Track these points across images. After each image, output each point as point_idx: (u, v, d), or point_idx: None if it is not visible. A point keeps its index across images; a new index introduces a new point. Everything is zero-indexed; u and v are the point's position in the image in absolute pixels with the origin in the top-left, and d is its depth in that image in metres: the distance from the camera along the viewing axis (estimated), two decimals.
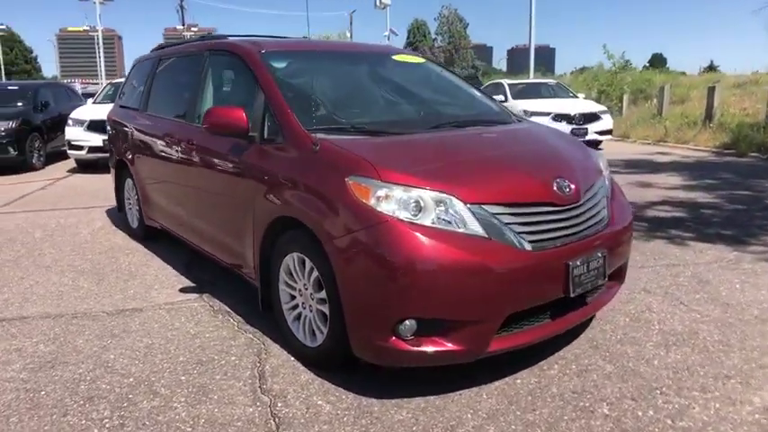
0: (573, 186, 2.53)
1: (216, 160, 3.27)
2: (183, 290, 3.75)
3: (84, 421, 2.27)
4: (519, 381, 2.53)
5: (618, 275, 2.95)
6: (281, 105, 2.81)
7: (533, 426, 2.19)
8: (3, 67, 47.27)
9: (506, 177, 2.46)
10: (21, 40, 52.92)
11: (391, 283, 2.17)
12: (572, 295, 2.42)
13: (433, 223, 2.23)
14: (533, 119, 11.08)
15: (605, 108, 12.09)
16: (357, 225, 2.26)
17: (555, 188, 2.46)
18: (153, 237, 4.77)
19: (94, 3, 30.39)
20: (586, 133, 11.07)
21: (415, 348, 2.23)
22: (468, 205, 2.27)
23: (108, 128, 5.37)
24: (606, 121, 11.38)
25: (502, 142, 2.97)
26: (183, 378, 2.60)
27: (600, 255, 2.54)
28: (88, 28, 50.43)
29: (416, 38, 48.34)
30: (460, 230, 2.24)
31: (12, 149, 9.05)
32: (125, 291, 3.76)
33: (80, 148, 8.99)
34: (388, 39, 43.91)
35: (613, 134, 13.63)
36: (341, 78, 3.41)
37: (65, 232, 5.34)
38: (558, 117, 11.14)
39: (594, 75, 19.56)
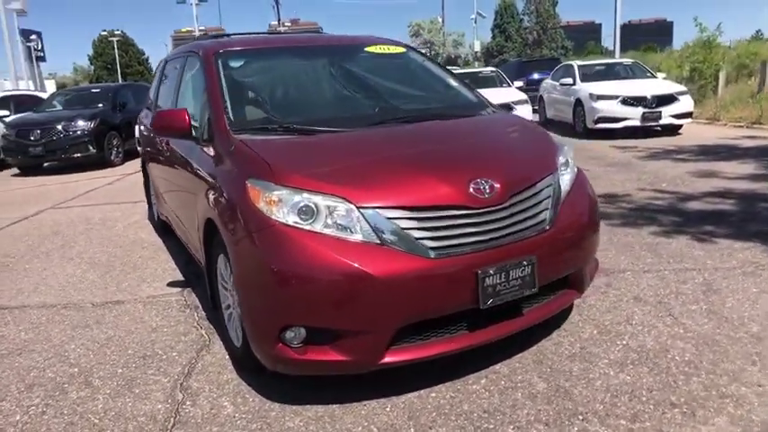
0: (497, 187, 2.31)
1: (178, 161, 3.39)
2: (170, 284, 3.94)
3: (14, 407, 2.47)
4: (434, 394, 2.38)
5: (575, 284, 2.67)
6: (216, 105, 2.84)
7: None
8: (119, 69, 52.30)
9: (414, 178, 2.30)
10: (134, 44, 58.23)
11: (275, 290, 2.14)
12: (482, 307, 2.23)
13: (324, 228, 2.16)
14: (599, 103, 10.44)
15: (684, 89, 10.91)
16: (249, 229, 2.24)
17: (471, 189, 2.27)
18: (171, 231, 5.04)
19: (191, 5, 32.55)
20: (660, 117, 10.10)
21: (301, 357, 2.18)
22: (362, 210, 2.16)
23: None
24: (684, 103, 10.28)
25: (435, 138, 2.79)
26: (120, 371, 2.75)
27: (526, 263, 2.31)
28: (193, 29, 54.13)
29: (504, 19, 46.61)
30: (351, 237, 2.14)
31: (91, 147, 10.00)
32: (120, 283, 4.03)
33: None
34: (475, 22, 42.87)
35: (703, 116, 12.36)
36: (296, 76, 3.37)
37: (103, 226, 5.82)
38: (629, 100, 10.25)
39: (691, 50, 17.69)
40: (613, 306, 3.15)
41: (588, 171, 6.94)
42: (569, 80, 11.89)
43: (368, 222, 2.15)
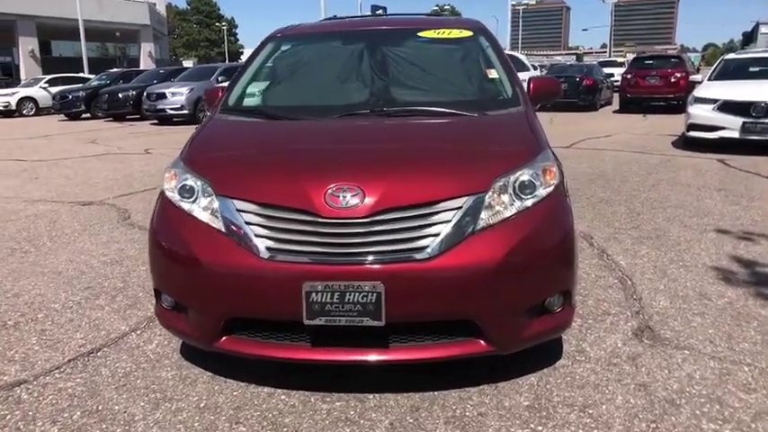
0: (363, 199, 2.06)
1: None
2: None
3: (60, 295, 3.43)
4: (284, 397, 2.33)
5: (486, 335, 2.14)
6: (228, 86, 3.17)
7: None
8: None
9: (278, 175, 2.26)
10: None
11: (150, 253, 2.44)
12: (305, 322, 2.07)
13: (195, 209, 2.30)
14: None
15: None
16: (159, 195, 2.55)
17: (327, 196, 2.09)
18: None
19: None
20: None
21: (167, 320, 2.43)
22: (219, 197, 2.24)
23: None
24: None
25: (369, 137, 2.60)
26: (140, 295, 3.45)
27: (368, 290, 2.02)
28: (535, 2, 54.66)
29: None
30: (207, 221, 2.24)
31: None
32: None
33: None
34: None
35: None
36: (324, 61, 3.38)
37: None
38: None
39: None
40: (595, 384, 2.38)
41: None
42: None
43: (219, 211, 2.21)
